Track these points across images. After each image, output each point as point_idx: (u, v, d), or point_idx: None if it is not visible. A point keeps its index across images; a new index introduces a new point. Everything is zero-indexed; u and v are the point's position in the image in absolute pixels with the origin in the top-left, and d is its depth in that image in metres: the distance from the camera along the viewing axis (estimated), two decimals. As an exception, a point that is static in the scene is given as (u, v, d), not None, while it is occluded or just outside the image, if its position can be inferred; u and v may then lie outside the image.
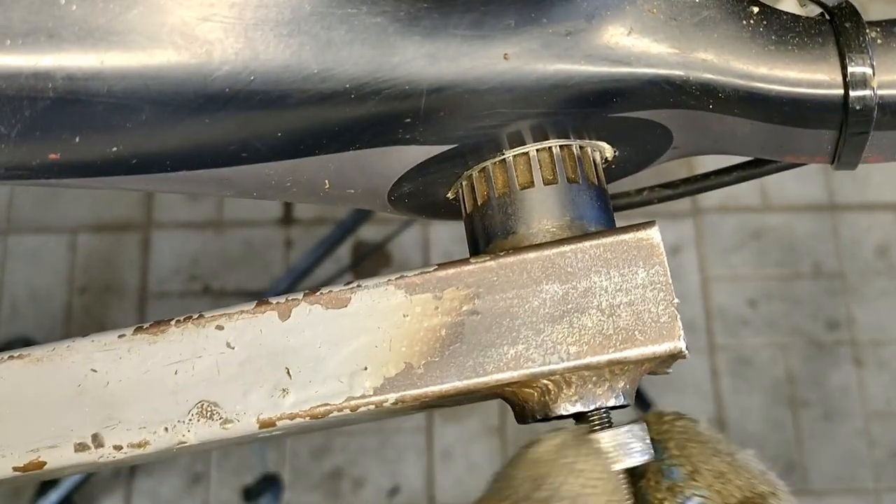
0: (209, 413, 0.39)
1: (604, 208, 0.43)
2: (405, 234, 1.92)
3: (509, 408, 0.41)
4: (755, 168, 0.51)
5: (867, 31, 0.39)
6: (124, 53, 0.35)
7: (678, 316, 0.39)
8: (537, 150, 0.42)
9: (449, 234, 1.95)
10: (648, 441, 0.39)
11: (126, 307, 1.92)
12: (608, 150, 0.44)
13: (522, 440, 0.37)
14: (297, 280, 1.69)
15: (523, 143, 0.42)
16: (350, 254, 1.97)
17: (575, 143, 0.42)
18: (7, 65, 0.33)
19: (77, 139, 0.36)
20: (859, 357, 1.92)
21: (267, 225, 1.99)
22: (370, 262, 1.98)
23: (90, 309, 1.92)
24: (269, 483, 1.80)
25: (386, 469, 1.86)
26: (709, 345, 1.93)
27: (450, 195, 0.45)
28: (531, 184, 0.42)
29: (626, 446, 0.38)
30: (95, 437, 0.39)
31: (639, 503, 0.39)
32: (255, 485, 1.80)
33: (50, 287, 1.93)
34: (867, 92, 0.38)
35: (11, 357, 0.40)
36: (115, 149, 0.37)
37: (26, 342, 1.85)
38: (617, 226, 0.43)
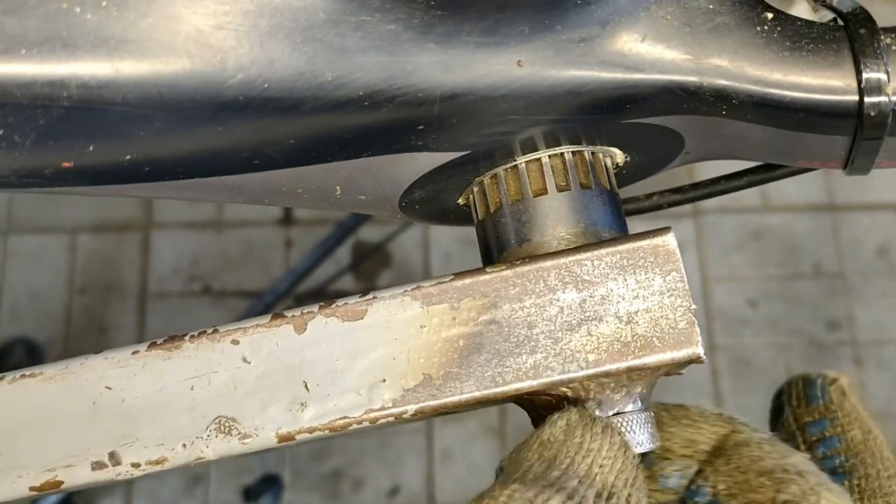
0: (227, 428, 0.39)
1: (617, 214, 0.43)
2: (405, 234, 1.93)
3: (509, 409, 0.41)
4: (766, 173, 0.51)
5: (882, 37, 0.39)
6: (139, 62, 0.34)
7: (696, 322, 0.39)
8: (549, 157, 0.42)
9: (449, 235, 1.95)
10: (654, 429, 0.39)
11: (126, 307, 1.92)
12: (620, 156, 0.44)
13: (522, 441, 0.37)
14: (298, 280, 1.70)
15: (535, 150, 0.42)
16: (350, 254, 1.97)
17: (587, 150, 0.42)
18: (22, 73, 0.33)
19: (91, 147, 0.36)
20: (860, 357, 1.92)
21: (267, 225, 1.99)
22: (370, 263, 1.98)
23: (90, 309, 1.92)
24: (269, 483, 1.80)
25: (386, 469, 1.86)
26: (709, 345, 1.94)
27: (461, 201, 0.45)
28: (544, 191, 0.42)
29: (632, 435, 0.39)
30: (112, 455, 0.39)
31: None
32: (255, 485, 1.81)
33: (50, 287, 1.93)
34: (882, 98, 0.38)
35: (24, 376, 0.40)
36: (128, 157, 0.37)
37: (27, 342, 1.85)
38: (628, 231, 0.43)
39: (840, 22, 0.40)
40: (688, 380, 2.00)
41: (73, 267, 1.95)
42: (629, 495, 0.34)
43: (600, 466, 0.34)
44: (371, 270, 1.98)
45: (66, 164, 0.36)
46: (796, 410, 0.45)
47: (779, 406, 0.46)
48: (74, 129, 0.35)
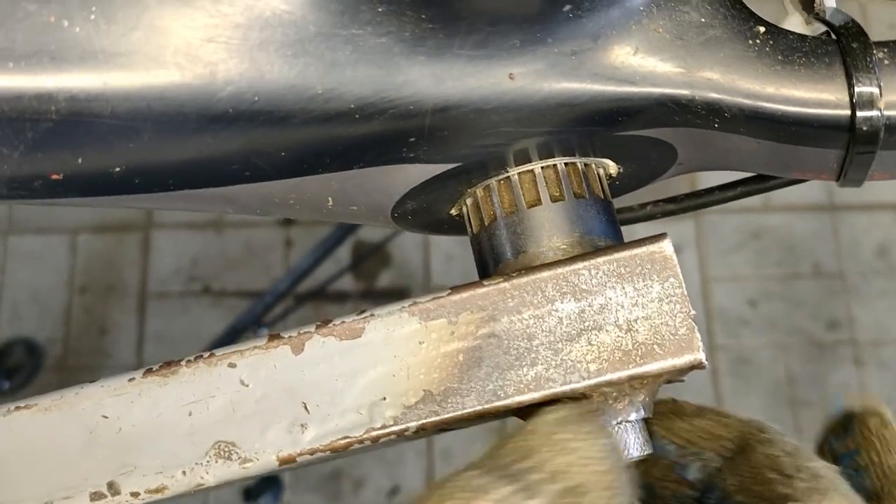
0: (227, 453, 0.38)
1: (611, 222, 0.43)
2: (405, 234, 1.92)
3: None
4: (759, 183, 0.51)
5: (874, 50, 0.39)
6: (127, 74, 0.34)
7: (696, 328, 0.38)
8: (542, 168, 0.42)
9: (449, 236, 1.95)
10: (645, 435, 0.39)
11: (127, 308, 1.92)
12: (613, 167, 0.44)
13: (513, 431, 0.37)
14: (298, 280, 1.69)
15: (528, 161, 0.42)
16: (350, 254, 1.97)
17: (580, 161, 0.42)
18: (10, 87, 0.33)
19: (79, 160, 0.36)
20: (859, 357, 1.92)
21: (267, 225, 1.99)
22: (370, 263, 1.98)
23: (91, 309, 1.92)
24: (269, 483, 1.80)
25: (386, 469, 1.87)
26: (709, 345, 1.93)
27: (454, 212, 0.45)
28: (538, 202, 0.41)
29: (622, 441, 0.39)
30: (111, 485, 0.39)
31: (650, 496, 0.39)
32: (255, 485, 1.81)
33: (51, 287, 1.93)
34: (874, 112, 0.38)
35: (18, 408, 0.39)
36: (117, 169, 0.37)
37: (27, 342, 1.85)
38: (623, 240, 0.43)
39: (832, 35, 0.40)
40: (688, 380, 1.99)
41: (74, 267, 1.95)
42: (606, 499, 0.33)
43: (577, 467, 0.33)
44: (371, 270, 1.98)
45: (55, 176, 0.36)
46: (833, 444, 0.44)
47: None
48: (63, 141, 0.35)
